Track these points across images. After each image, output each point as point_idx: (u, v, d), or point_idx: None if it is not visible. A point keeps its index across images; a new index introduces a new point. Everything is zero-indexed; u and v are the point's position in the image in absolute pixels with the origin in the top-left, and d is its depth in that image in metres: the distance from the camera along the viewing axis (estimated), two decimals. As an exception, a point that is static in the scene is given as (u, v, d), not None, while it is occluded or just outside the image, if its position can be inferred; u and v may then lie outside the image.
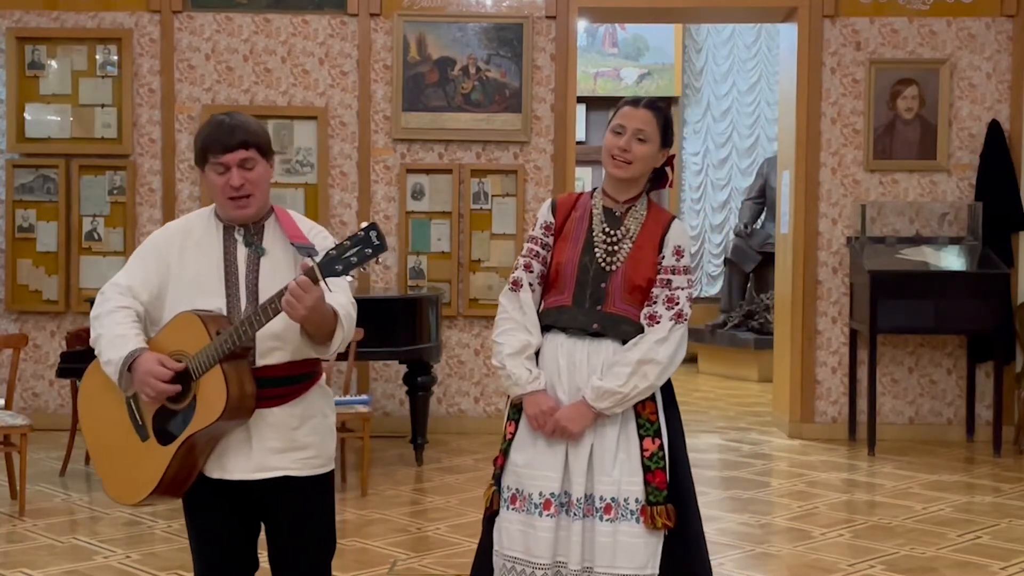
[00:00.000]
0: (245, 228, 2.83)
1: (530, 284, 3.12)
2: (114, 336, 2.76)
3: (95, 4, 7.60)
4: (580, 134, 10.43)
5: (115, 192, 7.62)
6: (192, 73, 7.63)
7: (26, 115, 7.63)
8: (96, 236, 7.64)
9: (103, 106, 7.64)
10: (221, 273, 2.79)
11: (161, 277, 2.82)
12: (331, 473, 2.93)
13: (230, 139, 2.74)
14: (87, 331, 6.09)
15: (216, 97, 7.61)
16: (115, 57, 7.60)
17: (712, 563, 3.17)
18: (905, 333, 7.41)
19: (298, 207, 7.41)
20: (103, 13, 7.62)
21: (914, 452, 7.17)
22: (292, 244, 2.74)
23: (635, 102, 3.08)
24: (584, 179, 11.43)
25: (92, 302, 6.02)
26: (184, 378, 2.71)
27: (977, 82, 7.53)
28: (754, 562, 4.79)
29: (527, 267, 3.14)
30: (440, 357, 7.04)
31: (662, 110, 3.09)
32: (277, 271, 2.79)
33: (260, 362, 2.75)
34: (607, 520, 2.94)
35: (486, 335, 7.65)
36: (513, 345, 3.06)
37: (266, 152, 2.81)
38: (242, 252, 2.81)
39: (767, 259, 10.45)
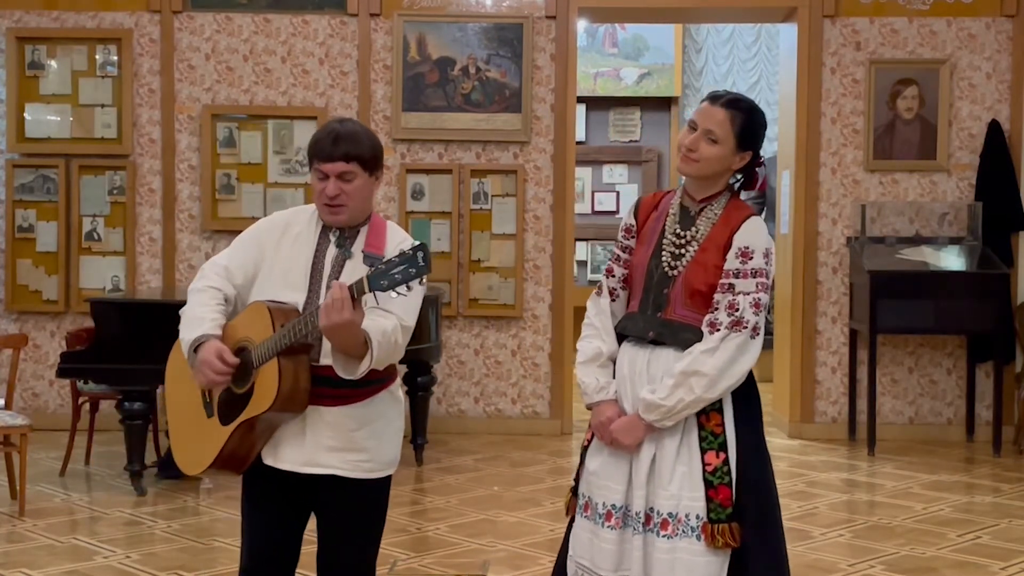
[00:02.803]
0: (341, 230, 2.91)
1: (611, 289, 3.01)
2: (193, 316, 2.87)
3: (95, 4, 7.60)
4: (580, 134, 10.44)
5: (115, 192, 7.62)
6: (192, 73, 7.63)
7: (26, 115, 7.62)
8: (96, 236, 7.64)
9: (103, 106, 7.64)
10: (308, 269, 2.88)
11: (256, 263, 2.92)
12: (387, 479, 2.97)
13: (333, 150, 2.82)
14: (87, 331, 6.16)
15: (216, 97, 7.61)
16: (115, 57, 7.60)
17: None
18: (905, 333, 7.41)
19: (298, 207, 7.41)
20: (103, 13, 7.61)
21: (914, 452, 7.17)
22: (363, 252, 2.80)
23: (715, 98, 2.89)
24: (584, 179, 11.42)
25: (91, 302, 6.07)
26: (247, 365, 2.80)
27: (977, 82, 7.53)
28: (754, 562, 4.78)
29: (608, 272, 3.04)
30: (440, 357, 7.04)
31: (744, 111, 2.88)
32: (357, 275, 2.84)
33: (324, 361, 2.80)
34: (664, 536, 2.83)
35: (486, 335, 7.65)
36: (586, 353, 2.99)
37: (371, 166, 2.87)
38: (332, 252, 2.90)
39: (767, 259, 10.45)
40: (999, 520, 5.51)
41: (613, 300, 3.03)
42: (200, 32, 7.62)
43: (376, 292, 2.59)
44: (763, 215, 11.01)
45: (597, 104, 11.88)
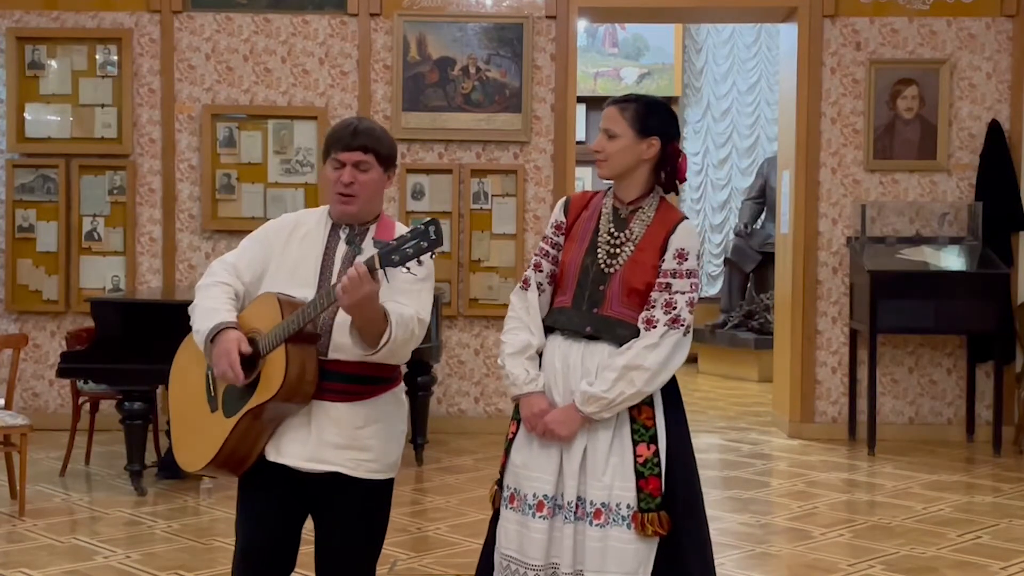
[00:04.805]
0: (351, 227, 2.93)
1: (539, 284, 3.09)
2: (206, 308, 2.88)
3: (95, 4, 7.60)
4: (580, 134, 10.42)
5: (115, 192, 7.62)
6: (192, 73, 7.63)
7: (26, 115, 7.62)
8: (96, 236, 7.64)
9: (103, 106, 7.64)
10: (318, 266, 2.91)
11: (263, 263, 2.95)
12: (390, 481, 2.97)
13: (353, 140, 2.88)
14: (87, 331, 6.16)
15: (216, 97, 7.61)
16: (115, 57, 7.60)
17: (713, 563, 3.13)
18: (905, 333, 7.41)
19: (298, 207, 7.40)
20: (103, 13, 7.62)
21: (914, 452, 7.17)
22: (372, 239, 2.82)
23: (612, 102, 3.06)
24: (584, 179, 11.43)
25: (91, 302, 6.07)
26: (253, 356, 2.79)
27: (977, 82, 7.53)
28: (754, 562, 4.79)
29: (537, 266, 3.11)
30: (440, 357, 7.04)
31: (634, 102, 3.03)
32: None
33: (332, 355, 2.81)
34: (596, 525, 2.92)
35: (486, 335, 7.65)
36: (515, 345, 3.04)
37: (386, 162, 2.92)
38: (342, 249, 2.92)
39: (767, 259, 10.45)
40: (999, 520, 5.51)
41: (540, 295, 3.09)
42: (200, 32, 7.62)
43: (387, 268, 2.61)
44: (763, 215, 11.05)
45: (597, 104, 11.84)
